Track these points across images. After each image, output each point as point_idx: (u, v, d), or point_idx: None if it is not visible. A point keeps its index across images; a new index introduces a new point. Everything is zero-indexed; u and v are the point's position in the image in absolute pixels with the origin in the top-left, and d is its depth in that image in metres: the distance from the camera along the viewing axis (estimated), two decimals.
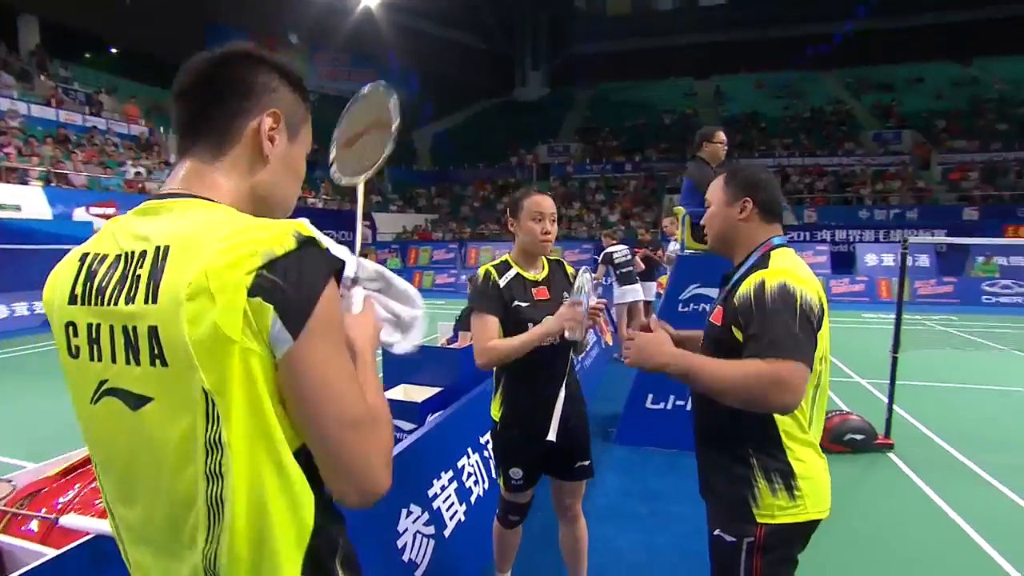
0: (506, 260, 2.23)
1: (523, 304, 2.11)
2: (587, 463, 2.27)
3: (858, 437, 4.23)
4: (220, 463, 0.70)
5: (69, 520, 1.53)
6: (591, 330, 2.05)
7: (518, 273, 2.18)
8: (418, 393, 4.02)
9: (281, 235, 0.70)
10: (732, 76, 31.93)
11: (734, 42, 32.70)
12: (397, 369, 4.13)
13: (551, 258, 2.30)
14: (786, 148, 23.81)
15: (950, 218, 17.28)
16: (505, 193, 25.15)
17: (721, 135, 4.07)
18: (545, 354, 2.05)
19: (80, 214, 12.67)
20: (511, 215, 2.20)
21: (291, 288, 0.69)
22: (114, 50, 25.55)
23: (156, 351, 0.71)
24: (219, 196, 0.81)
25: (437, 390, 3.80)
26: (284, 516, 0.73)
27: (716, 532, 1.52)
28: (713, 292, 3.97)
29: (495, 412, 2.26)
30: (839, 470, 3.98)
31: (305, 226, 0.74)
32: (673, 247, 8.08)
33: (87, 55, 24.03)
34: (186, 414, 0.70)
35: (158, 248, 0.73)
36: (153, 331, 0.71)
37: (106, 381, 0.77)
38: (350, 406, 0.74)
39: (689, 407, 1.64)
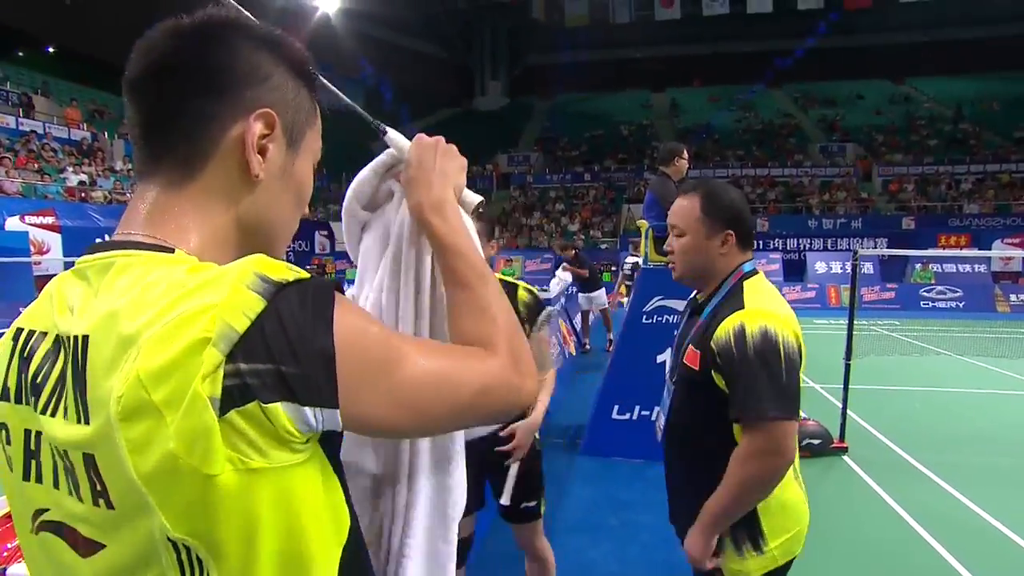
0: None
1: None
2: (532, 503, 2.15)
3: (815, 442, 4.38)
4: None
5: (18, 570, 1.39)
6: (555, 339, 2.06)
7: None
8: None
9: (235, 298, 0.48)
10: (687, 89, 32.94)
11: (688, 56, 33.73)
12: None
13: (504, 280, 2.03)
14: (739, 159, 24.67)
15: (890, 227, 18.26)
16: None
17: (686, 152, 4.23)
18: None
19: (14, 223, 11.92)
20: None
21: (293, 364, 0.48)
22: (50, 49, 24.25)
23: (99, 487, 0.50)
24: (185, 240, 0.58)
25: None
26: None
27: None
28: (676, 304, 4.06)
29: None
30: None
31: (264, 264, 0.51)
32: (630, 259, 8.47)
33: (20, 54, 22.73)
34: (150, 568, 0.50)
35: (77, 339, 0.51)
36: (90, 460, 0.50)
37: (46, 511, 0.55)
38: (461, 399, 0.61)
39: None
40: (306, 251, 19.64)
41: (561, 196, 24.22)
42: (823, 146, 24.81)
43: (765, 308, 1.35)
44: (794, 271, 16.10)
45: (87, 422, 0.49)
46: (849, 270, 4.86)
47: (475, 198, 0.81)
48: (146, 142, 0.59)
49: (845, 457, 4.43)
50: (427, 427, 0.64)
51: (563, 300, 9.29)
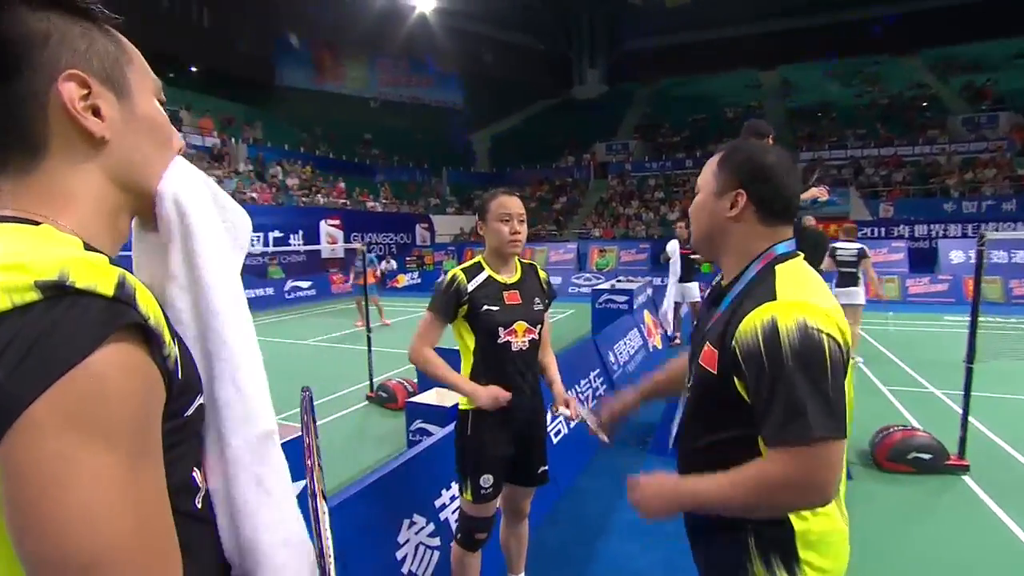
0: (479, 262, 2.16)
1: (493, 308, 2.08)
2: (547, 467, 2.29)
3: (924, 456, 3.81)
4: None
5: None
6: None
7: (489, 276, 2.12)
8: (450, 397, 4.00)
9: (14, 283, 0.44)
10: (800, 65, 30.27)
11: (800, 29, 30.97)
12: None
13: (525, 261, 2.26)
14: (860, 138, 22.26)
15: None
16: (563, 193, 24.97)
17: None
18: (520, 360, 2.12)
19: None
20: (479, 218, 2.15)
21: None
22: (194, 69, 27.36)
23: None
24: (62, 214, 0.56)
25: None
26: None
27: None
28: None
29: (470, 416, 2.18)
30: (900, 493, 3.63)
31: (81, 264, 0.47)
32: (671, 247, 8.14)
33: (170, 75, 25.89)
34: None
35: None
36: None
37: None
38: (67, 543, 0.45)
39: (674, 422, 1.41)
40: (407, 243, 20.57)
41: (661, 184, 23.34)
42: (967, 118, 21.67)
43: (803, 299, 1.08)
44: (922, 261, 14.21)
45: None
46: (992, 259, 4.16)
47: None
48: None
49: (965, 477, 3.81)
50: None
51: (649, 291, 8.94)
